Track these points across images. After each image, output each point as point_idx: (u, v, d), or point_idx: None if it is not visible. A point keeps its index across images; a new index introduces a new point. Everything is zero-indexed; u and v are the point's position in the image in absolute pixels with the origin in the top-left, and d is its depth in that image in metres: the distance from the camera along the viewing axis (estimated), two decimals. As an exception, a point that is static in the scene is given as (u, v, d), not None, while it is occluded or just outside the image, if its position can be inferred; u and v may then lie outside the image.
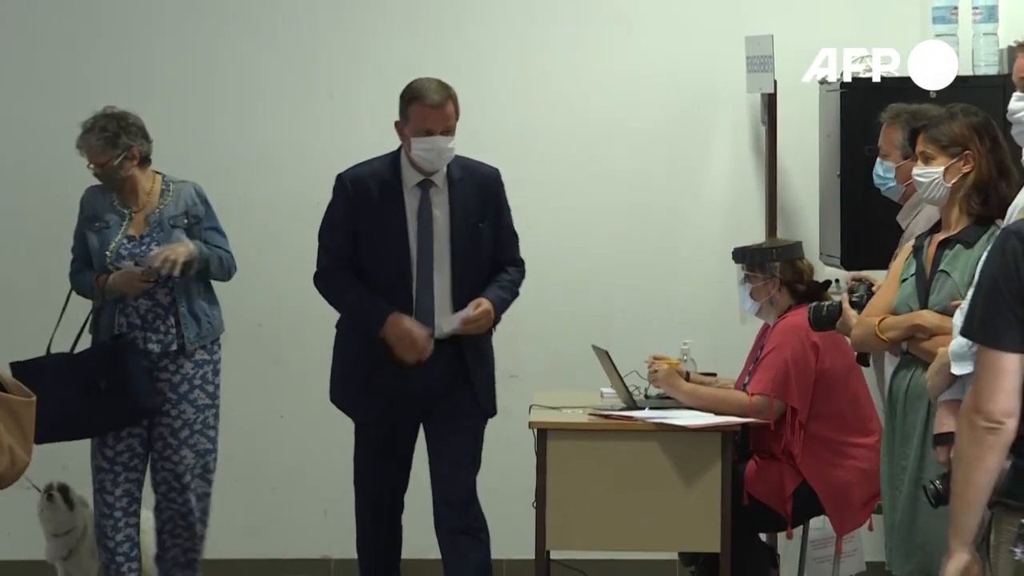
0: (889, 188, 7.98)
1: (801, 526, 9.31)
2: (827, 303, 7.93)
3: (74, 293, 9.69)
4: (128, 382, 9.40)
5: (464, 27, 10.58)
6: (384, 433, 8.65)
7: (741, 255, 9.24)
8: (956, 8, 9.58)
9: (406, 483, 8.87)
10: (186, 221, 9.57)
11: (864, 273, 8.17)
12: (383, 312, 8.27)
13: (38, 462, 5.81)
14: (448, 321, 8.34)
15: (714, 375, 9.48)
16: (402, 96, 8.33)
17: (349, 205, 8.43)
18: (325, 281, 8.50)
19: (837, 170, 9.59)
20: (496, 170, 8.65)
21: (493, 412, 8.81)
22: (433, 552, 8.80)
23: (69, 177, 9.98)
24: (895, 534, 7.45)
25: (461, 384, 8.58)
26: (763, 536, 9.43)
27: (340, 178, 8.45)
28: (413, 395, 8.48)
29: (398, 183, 8.39)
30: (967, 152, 6.98)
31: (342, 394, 8.78)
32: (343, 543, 9.17)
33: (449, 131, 8.20)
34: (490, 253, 8.59)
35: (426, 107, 8.12)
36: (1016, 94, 6.40)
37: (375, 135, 9.71)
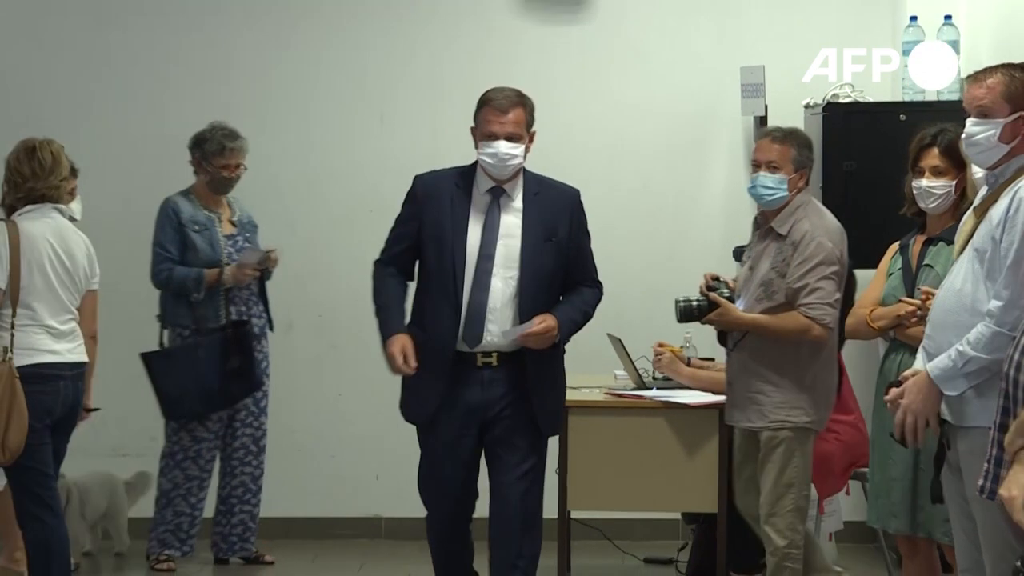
0: (776, 198, 7.66)
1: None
2: (695, 299, 7.81)
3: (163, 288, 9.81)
4: (251, 361, 9.80)
5: (498, 57, 10.32)
6: (441, 443, 7.41)
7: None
8: (921, 39, 9.48)
9: (471, 501, 7.60)
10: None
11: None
12: (391, 328, 7.32)
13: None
14: (508, 332, 7.21)
15: (712, 360, 9.32)
16: (477, 101, 7.36)
17: (414, 203, 7.42)
18: (374, 273, 7.54)
19: (819, 182, 9.42)
20: (576, 190, 7.49)
21: (553, 432, 7.63)
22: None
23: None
24: (891, 495, 7.50)
25: (520, 402, 7.34)
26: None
27: (414, 178, 7.50)
28: (466, 405, 7.31)
29: (468, 187, 7.36)
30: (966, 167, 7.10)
31: (402, 398, 7.58)
32: (392, 504, 8.98)
33: (513, 138, 7.16)
34: (562, 271, 7.39)
35: (490, 110, 7.19)
36: (970, 119, 6.25)
37: (420, 148, 9.99)
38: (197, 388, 9.77)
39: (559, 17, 10.89)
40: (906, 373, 6.28)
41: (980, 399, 6.00)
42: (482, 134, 7.19)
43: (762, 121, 10.50)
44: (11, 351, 8.03)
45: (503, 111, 7.15)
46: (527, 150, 7.26)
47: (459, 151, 7.73)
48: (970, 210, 6.34)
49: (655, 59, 10.94)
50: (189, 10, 11.05)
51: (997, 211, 6.07)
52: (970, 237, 6.20)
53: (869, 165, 8.69)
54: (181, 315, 9.80)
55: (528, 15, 10.89)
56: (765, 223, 7.82)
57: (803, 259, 7.54)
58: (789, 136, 7.80)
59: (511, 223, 7.27)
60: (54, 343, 8.19)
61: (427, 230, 7.28)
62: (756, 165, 7.73)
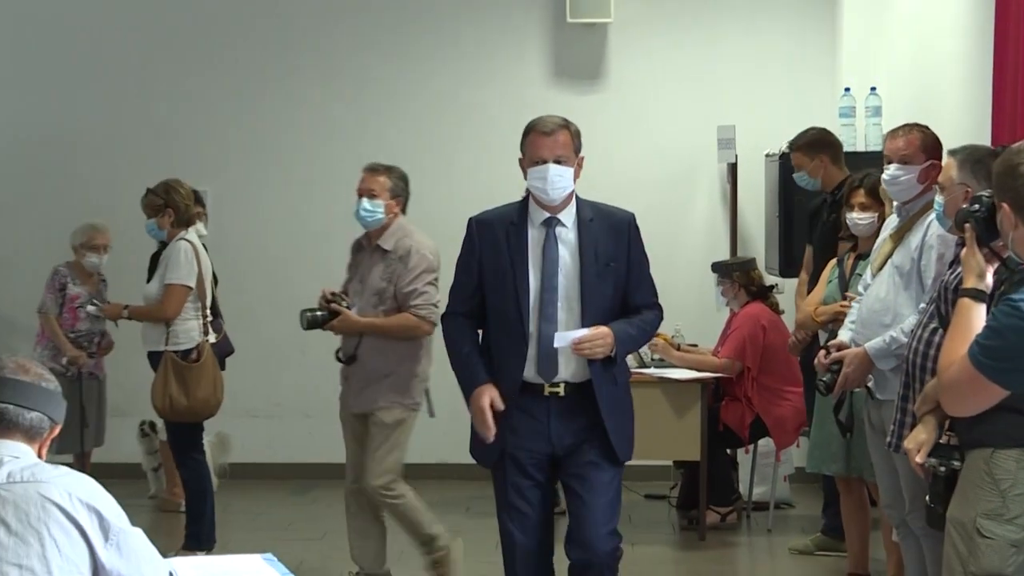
0: (375, 219, 7.33)
1: (753, 445, 9.41)
2: (318, 310, 7.24)
3: None
4: None
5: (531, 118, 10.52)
6: (513, 479, 5.86)
7: (715, 268, 9.43)
8: (854, 108, 9.53)
9: (549, 542, 6.04)
10: None
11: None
12: (475, 381, 5.81)
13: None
14: (562, 336, 5.74)
15: (696, 346, 9.53)
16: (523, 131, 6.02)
17: (472, 246, 5.92)
18: (445, 326, 6.06)
19: (777, 212, 9.50)
20: (631, 214, 6.08)
21: (628, 458, 6.01)
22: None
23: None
24: (831, 447, 7.47)
25: (593, 432, 5.83)
26: (728, 451, 9.43)
27: (468, 221, 6.03)
28: (536, 438, 5.83)
29: (523, 222, 5.88)
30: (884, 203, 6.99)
31: (471, 441, 6.04)
32: (453, 452, 8.99)
33: (561, 160, 5.78)
34: (621, 294, 5.93)
35: (536, 134, 5.81)
36: (893, 165, 6.38)
37: (474, 195, 9.50)
38: None
39: (580, 88, 10.81)
40: (832, 343, 6.49)
41: (897, 379, 6.22)
42: (530, 160, 5.81)
43: (732, 168, 10.55)
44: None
45: (549, 134, 5.80)
46: (576, 175, 5.88)
47: (506, 196, 6.36)
48: (887, 236, 6.44)
49: (651, 119, 10.84)
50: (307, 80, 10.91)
51: (915, 239, 6.22)
52: (888, 257, 6.37)
53: (812, 200, 8.66)
54: None
55: (556, 87, 10.83)
56: (370, 242, 7.40)
57: (410, 269, 7.23)
58: (388, 169, 7.47)
59: (568, 252, 5.83)
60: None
61: (488, 270, 5.86)
62: (359, 194, 7.34)
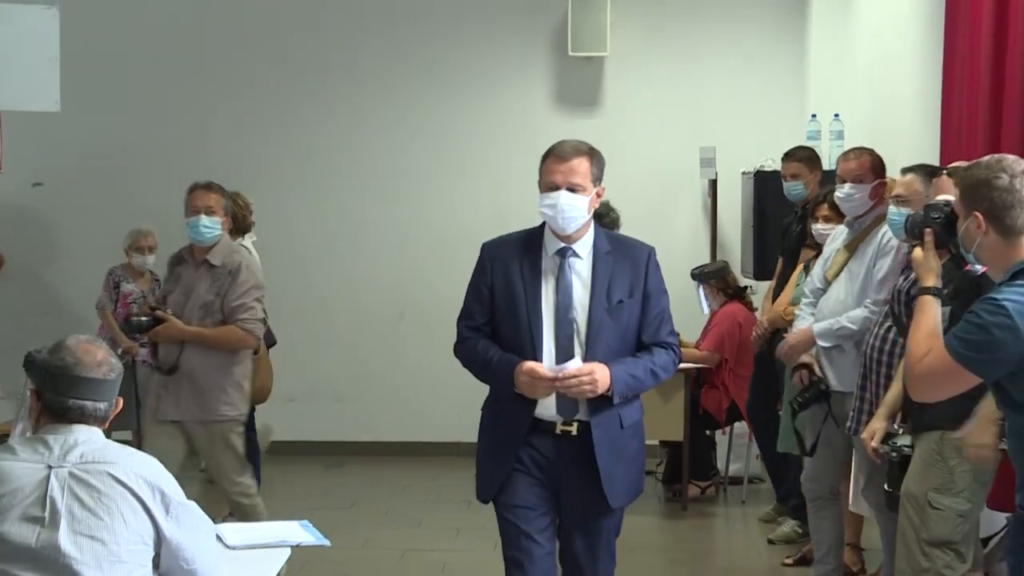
0: (213, 235, 6.78)
1: (729, 427, 9.40)
2: (143, 316, 6.71)
3: None
4: None
5: (535, 142, 10.48)
6: (518, 516, 4.84)
7: (693, 275, 9.36)
8: (820, 132, 9.49)
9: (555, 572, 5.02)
10: None
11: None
12: (509, 365, 4.74)
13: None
14: (551, 371, 4.67)
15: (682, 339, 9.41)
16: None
17: (483, 271, 4.91)
18: (461, 348, 4.95)
19: (751, 223, 9.49)
20: (650, 248, 5.04)
21: (620, 504, 4.92)
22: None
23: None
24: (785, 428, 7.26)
25: (590, 477, 4.79)
26: (708, 432, 9.39)
27: (482, 246, 5.02)
28: (541, 474, 4.81)
29: (538, 250, 4.87)
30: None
31: (477, 481, 5.01)
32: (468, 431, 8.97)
33: (575, 188, 4.77)
34: (635, 332, 4.88)
35: (553, 159, 4.81)
36: (847, 184, 6.40)
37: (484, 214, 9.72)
38: None
39: (579, 114, 10.75)
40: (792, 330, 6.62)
41: (856, 373, 6.25)
42: (544, 184, 4.84)
43: (713, 184, 10.54)
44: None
45: (564, 159, 4.79)
46: (593, 205, 4.86)
47: (522, 217, 5.75)
48: (839, 246, 6.48)
49: (642, 141, 10.75)
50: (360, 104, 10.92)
51: (870, 248, 6.28)
52: (843, 266, 6.39)
53: (782, 211, 8.63)
54: None
55: (558, 114, 10.79)
56: (195, 257, 6.77)
57: (239, 284, 6.65)
58: (221, 188, 6.87)
59: (581, 284, 4.82)
60: None
61: (499, 297, 4.85)
62: (195, 211, 6.73)
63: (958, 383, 3.79)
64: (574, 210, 4.75)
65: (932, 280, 4.13)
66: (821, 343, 6.31)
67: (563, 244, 4.83)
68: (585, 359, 4.68)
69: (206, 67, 10.91)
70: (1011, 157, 3.93)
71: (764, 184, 9.28)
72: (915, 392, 3.89)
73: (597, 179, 4.86)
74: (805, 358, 6.41)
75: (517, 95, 10.93)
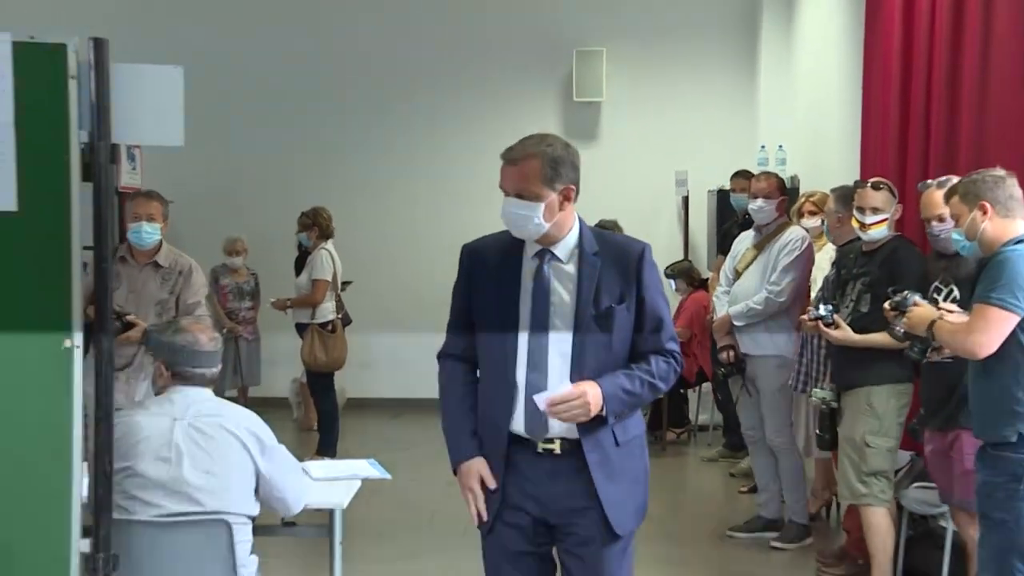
0: (154, 240, 5.56)
1: (698, 386, 9.37)
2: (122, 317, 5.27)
3: None
4: None
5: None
6: (502, 546, 3.35)
7: (666, 273, 9.15)
8: (767, 159, 9.48)
9: None
10: None
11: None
12: (460, 452, 3.36)
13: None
14: (540, 398, 3.21)
15: None
16: None
17: (463, 275, 3.41)
18: (440, 369, 3.48)
19: (715, 230, 9.47)
20: (643, 245, 3.41)
21: (626, 529, 3.36)
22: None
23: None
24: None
25: (593, 501, 3.30)
26: (681, 391, 9.30)
27: (462, 248, 3.44)
28: (528, 500, 3.32)
29: (518, 252, 3.35)
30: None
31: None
32: None
33: (524, 195, 3.23)
34: (629, 340, 3.35)
35: (503, 162, 3.32)
36: (759, 200, 6.31)
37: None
38: None
39: (582, 145, 9.39)
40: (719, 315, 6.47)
41: (770, 338, 6.21)
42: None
43: (685, 200, 10.50)
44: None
45: (512, 162, 3.27)
46: (558, 209, 3.25)
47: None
48: (748, 247, 6.43)
49: (630, 166, 10.69)
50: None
51: (774, 248, 6.23)
52: (751, 262, 6.36)
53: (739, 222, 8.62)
54: None
55: None
56: (137, 259, 5.56)
57: (193, 283, 5.58)
58: (160, 196, 5.77)
59: (564, 289, 3.29)
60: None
61: (477, 303, 3.35)
62: (137, 218, 5.56)
63: (1008, 327, 3.67)
64: (522, 218, 3.23)
65: (923, 329, 4.06)
66: (736, 323, 6.29)
67: (540, 246, 3.31)
68: (573, 372, 3.21)
69: (294, 112, 10.90)
70: (994, 170, 3.94)
71: (724, 200, 9.25)
72: (981, 352, 3.71)
73: (555, 179, 3.25)
74: (728, 340, 6.36)
75: (533, 130, 10.07)
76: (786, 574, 5.93)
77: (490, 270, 3.33)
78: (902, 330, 4.31)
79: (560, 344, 3.25)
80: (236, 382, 9.61)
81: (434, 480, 7.30)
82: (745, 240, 6.54)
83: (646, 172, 10.77)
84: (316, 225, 8.46)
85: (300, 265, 8.87)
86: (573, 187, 3.30)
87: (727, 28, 10.74)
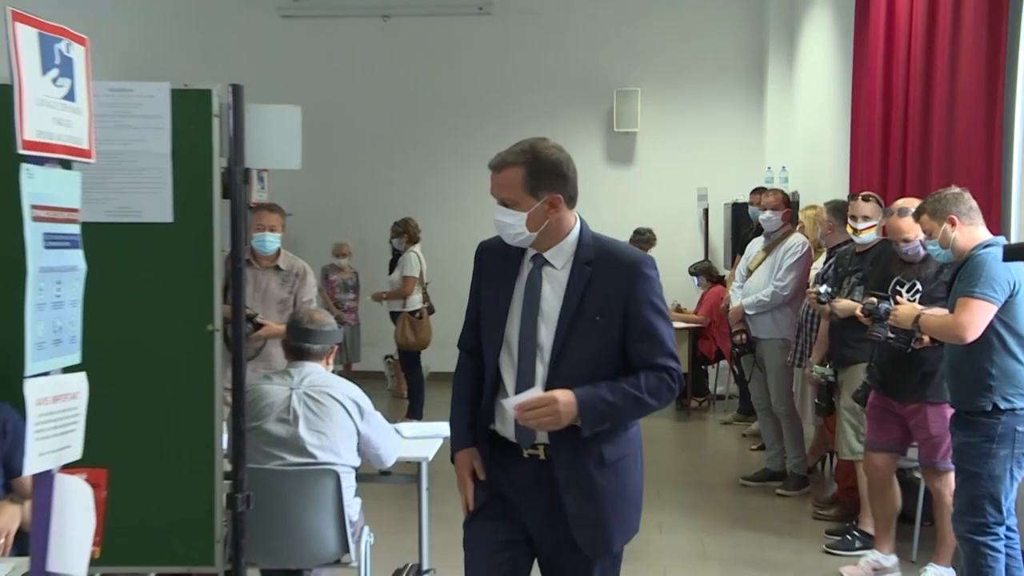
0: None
1: (717, 363, 9.21)
2: (249, 321, 4.71)
3: None
4: None
5: (581, 186, 10.17)
6: (482, 546, 2.60)
7: (690, 271, 9.14)
8: (772, 178, 9.32)
9: None
10: None
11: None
12: (457, 442, 2.67)
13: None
14: (510, 402, 2.47)
15: (686, 309, 9.24)
16: None
17: (476, 273, 2.78)
18: (458, 361, 2.80)
19: (730, 237, 9.38)
20: (641, 256, 2.57)
21: (598, 554, 2.53)
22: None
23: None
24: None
25: (562, 518, 2.51)
26: (703, 367, 9.21)
27: (478, 246, 2.80)
28: (509, 502, 2.61)
29: (521, 256, 2.65)
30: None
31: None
32: None
33: (507, 203, 2.60)
34: (619, 352, 2.50)
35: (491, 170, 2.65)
36: (766, 211, 6.27)
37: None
38: None
39: (621, 167, 10.55)
40: (733, 305, 6.39)
41: (775, 324, 6.15)
42: None
43: (706, 212, 10.37)
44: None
45: (495, 170, 2.68)
46: (544, 218, 2.59)
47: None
48: (760, 250, 6.36)
49: (661, 184, 10.58)
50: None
51: (779, 251, 6.15)
52: (761, 262, 6.30)
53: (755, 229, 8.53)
54: None
55: (606, 168, 10.61)
56: (261, 263, 5.12)
57: (308, 283, 5.14)
58: (281, 209, 5.35)
59: (554, 295, 2.58)
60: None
61: (481, 301, 2.75)
62: (260, 228, 5.13)
63: (988, 316, 3.60)
64: (506, 225, 2.63)
65: (910, 323, 4.01)
66: (748, 312, 6.26)
67: (535, 251, 2.66)
68: (548, 383, 2.51)
69: (389, 141, 10.90)
70: (951, 188, 3.86)
71: (737, 211, 9.20)
72: (969, 337, 3.60)
73: (538, 188, 2.62)
74: (741, 325, 6.32)
75: (579, 157, 9.50)
76: (788, 515, 5.88)
77: (495, 270, 2.71)
78: (886, 332, 4.23)
79: (542, 350, 2.55)
80: (341, 359, 9.69)
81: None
82: (756, 244, 6.54)
83: (673, 189, 10.66)
84: (406, 232, 8.48)
85: (393, 265, 8.89)
86: (561, 196, 2.61)
87: (740, 71, 10.63)
